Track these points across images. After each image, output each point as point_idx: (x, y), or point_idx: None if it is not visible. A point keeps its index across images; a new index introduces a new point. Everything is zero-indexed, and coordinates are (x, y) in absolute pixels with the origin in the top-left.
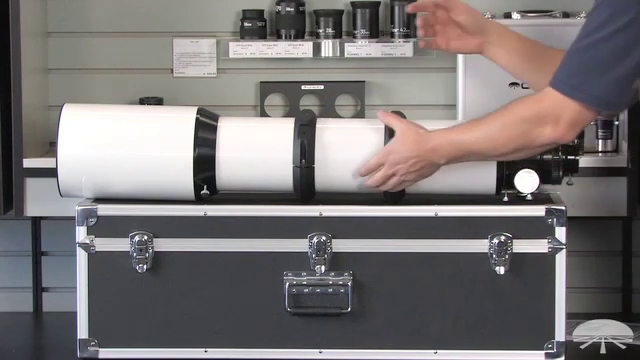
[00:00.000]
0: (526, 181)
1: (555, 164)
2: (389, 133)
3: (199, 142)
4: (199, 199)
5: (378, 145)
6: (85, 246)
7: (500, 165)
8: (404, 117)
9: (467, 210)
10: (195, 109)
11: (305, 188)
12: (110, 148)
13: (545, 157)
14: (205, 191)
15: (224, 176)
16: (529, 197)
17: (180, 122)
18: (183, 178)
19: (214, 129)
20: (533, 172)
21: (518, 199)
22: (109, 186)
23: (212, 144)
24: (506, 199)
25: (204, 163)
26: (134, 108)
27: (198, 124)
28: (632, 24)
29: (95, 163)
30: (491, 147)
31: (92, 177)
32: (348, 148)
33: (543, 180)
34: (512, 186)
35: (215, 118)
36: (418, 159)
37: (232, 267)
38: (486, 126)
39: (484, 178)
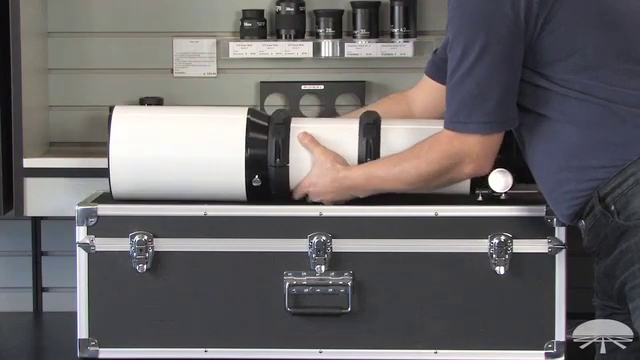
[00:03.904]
0: (500, 180)
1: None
2: (362, 133)
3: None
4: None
5: (352, 144)
6: (85, 246)
7: None
8: (379, 119)
9: (467, 210)
10: (246, 110)
11: (280, 187)
12: (161, 150)
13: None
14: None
15: None
16: (503, 196)
17: (231, 123)
18: (235, 178)
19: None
20: (507, 171)
21: (492, 198)
22: (161, 189)
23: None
24: (480, 199)
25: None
26: (183, 110)
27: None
28: (486, 49)
29: (146, 167)
30: (409, 187)
31: (143, 178)
32: None
33: (520, 179)
34: (486, 185)
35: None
36: (336, 194)
37: (232, 267)
38: (402, 166)
39: None
